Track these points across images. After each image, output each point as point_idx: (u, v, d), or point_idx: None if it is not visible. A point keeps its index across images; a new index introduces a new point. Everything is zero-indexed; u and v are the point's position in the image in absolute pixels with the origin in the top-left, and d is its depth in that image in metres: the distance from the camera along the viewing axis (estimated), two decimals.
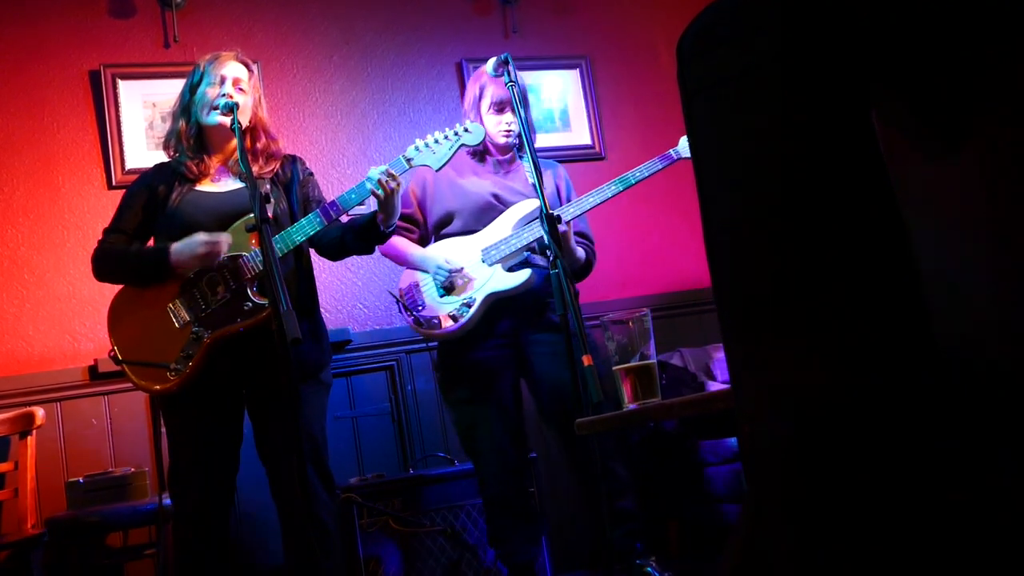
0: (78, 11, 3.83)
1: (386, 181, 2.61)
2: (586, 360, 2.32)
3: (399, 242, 3.10)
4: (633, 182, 3.04)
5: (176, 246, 2.55)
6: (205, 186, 2.70)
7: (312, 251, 2.85)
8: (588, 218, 3.18)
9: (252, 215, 2.24)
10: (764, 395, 0.93)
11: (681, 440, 3.65)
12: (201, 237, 2.53)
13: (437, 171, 2.79)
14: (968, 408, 0.82)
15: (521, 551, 3.02)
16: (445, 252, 3.02)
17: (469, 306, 2.93)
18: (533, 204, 3.00)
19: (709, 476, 3.52)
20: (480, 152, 3.12)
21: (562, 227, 2.83)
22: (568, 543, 3.77)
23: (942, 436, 0.82)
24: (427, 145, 2.75)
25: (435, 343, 3.10)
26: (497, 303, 2.95)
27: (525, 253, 2.97)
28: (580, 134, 4.32)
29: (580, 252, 3.05)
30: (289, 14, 4.10)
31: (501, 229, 3.00)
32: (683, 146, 3.05)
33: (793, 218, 0.89)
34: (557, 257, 2.42)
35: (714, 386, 3.65)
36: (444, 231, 3.08)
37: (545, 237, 2.50)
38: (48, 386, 3.47)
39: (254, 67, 2.82)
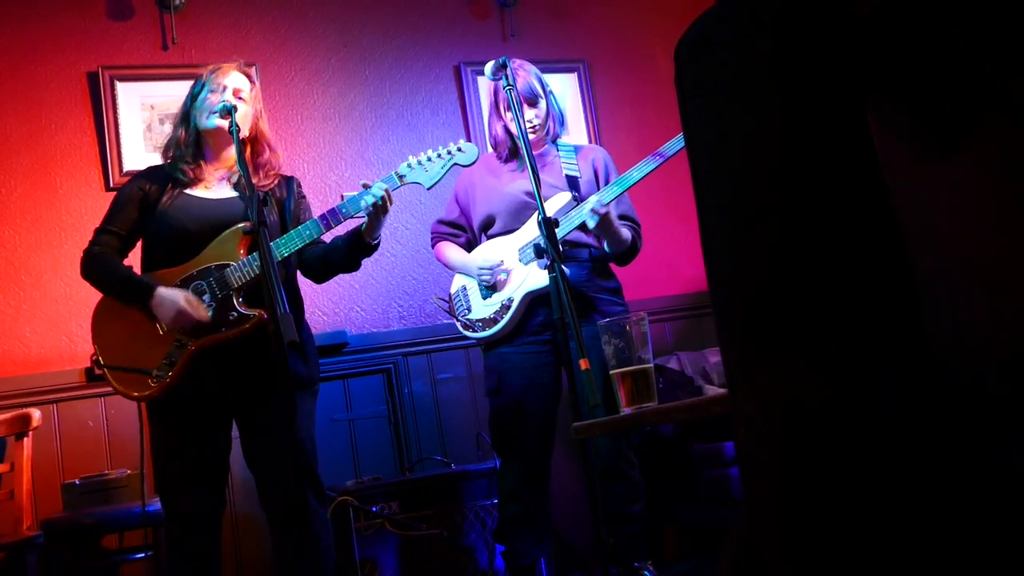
0: (76, 13, 3.83)
1: (383, 204, 2.62)
2: (583, 364, 2.32)
3: (446, 248, 3.23)
4: (670, 155, 2.99)
5: (161, 291, 2.53)
6: (197, 191, 2.67)
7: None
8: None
9: (246, 221, 2.24)
10: (760, 399, 0.93)
11: (678, 444, 3.65)
12: (187, 296, 2.52)
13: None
14: (964, 411, 0.82)
15: (526, 553, 3.01)
16: (485, 253, 3.10)
17: (508, 307, 3.02)
18: (564, 199, 3.03)
19: (706, 480, 3.52)
20: (511, 151, 3.17)
21: (602, 209, 2.89)
22: (566, 545, 3.77)
23: (937, 438, 0.82)
24: (420, 163, 2.76)
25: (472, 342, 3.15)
26: (535, 301, 3.01)
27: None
28: (577, 137, 4.32)
29: (626, 232, 3.05)
30: (287, 17, 4.11)
31: (535, 227, 3.02)
32: None
33: (789, 222, 0.89)
34: (555, 261, 2.42)
35: (711, 390, 3.65)
36: (489, 232, 3.16)
37: (542, 242, 2.50)
38: (44, 387, 3.47)
39: (256, 79, 2.82)
